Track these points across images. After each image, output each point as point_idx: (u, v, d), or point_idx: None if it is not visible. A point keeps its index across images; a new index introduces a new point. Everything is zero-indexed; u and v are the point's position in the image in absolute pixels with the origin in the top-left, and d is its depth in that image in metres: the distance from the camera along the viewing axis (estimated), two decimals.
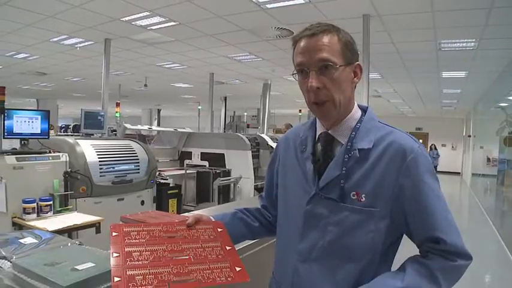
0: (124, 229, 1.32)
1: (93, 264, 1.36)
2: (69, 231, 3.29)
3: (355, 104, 1.36)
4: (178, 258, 1.22)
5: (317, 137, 1.37)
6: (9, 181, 3.52)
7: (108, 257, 1.48)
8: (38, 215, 3.50)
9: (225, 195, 6.74)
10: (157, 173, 5.44)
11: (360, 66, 1.31)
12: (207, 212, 2.98)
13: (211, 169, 6.85)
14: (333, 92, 1.24)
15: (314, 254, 1.29)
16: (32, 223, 3.32)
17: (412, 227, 1.25)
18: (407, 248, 1.37)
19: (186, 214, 2.34)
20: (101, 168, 4.37)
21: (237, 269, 1.23)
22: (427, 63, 8.82)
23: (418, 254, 1.26)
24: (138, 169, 4.89)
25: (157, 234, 1.32)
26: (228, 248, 1.32)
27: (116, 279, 1.11)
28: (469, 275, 1.29)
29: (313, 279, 1.29)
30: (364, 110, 1.37)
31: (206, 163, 7.29)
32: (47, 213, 3.55)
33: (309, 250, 1.30)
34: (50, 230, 3.08)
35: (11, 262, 1.44)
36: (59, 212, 3.72)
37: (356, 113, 1.34)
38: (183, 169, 7.08)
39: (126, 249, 1.22)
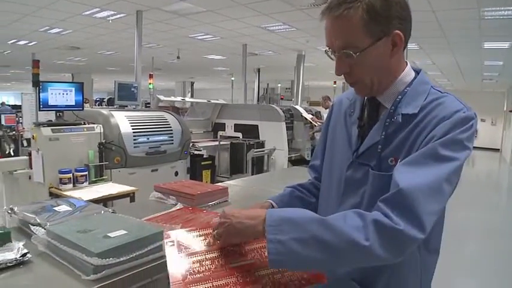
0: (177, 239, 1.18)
1: (125, 232, 1.33)
2: (104, 201, 3.32)
3: (407, 67, 1.24)
4: (243, 265, 1.09)
5: (365, 101, 1.29)
6: (46, 152, 3.57)
7: (140, 225, 1.46)
8: (73, 185, 3.55)
9: (259, 166, 6.71)
10: (190, 144, 5.44)
11: (399, 35, 1.13)
12: (241, 182, 2.96)
13: (245, 140, 6.82)
14: (361, 75, 1.17)
15: None
16: (67, 193, 3.36)
17: None
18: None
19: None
20: (135, 139, 4.38)
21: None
22: (468, 33, 8.39)
23: None
24: (172, 140, 4.89)
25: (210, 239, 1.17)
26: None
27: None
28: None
29: None
30: (417, 72, 1.25)
31: (240, 134, 7.27)
32: (82, 183, 3.59)
33: None
34: (85, 199, 3.10)
35: (45, 229, 1.43)
36: (94, 182, 3.76)
37: (406, 76, 1.22)
38: (216, 140, 7.07)
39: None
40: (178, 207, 1.97)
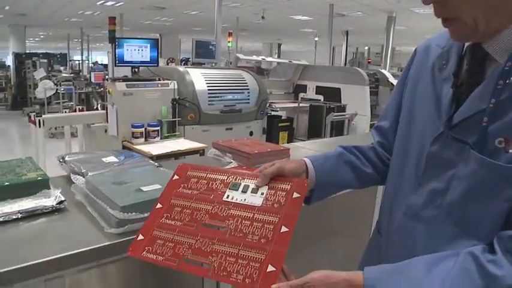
0: (188, 173, 1.14)
1: (159, 186, 1.23)
2: (173, 156, 3.32)
3: None
4: (212, 229, 0.97)
5: (464, 50, 0.93)
6: (120, 107, 3.63)
7: None
8: (145, 140, 3.60)
9: (338, 131, 6.44)
10: (268, 105, 5.32)
11: None
12: (314, 145, 2.77)
13: (325, 103, 6.55)
14: (459, 6, 0.81)
15: (427, 212, 0.94)
16: (139, 147, 3.41)
17: None
18: None
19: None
20: (209, 97, 4.34)
21: (269, 269, 0.86)
22: None
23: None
24: (248, 99, 4.80)
25: (216, 186, 1.08)
26: (283, 229, 0.94)
27: (140, 237, 1.01)
28: None
29: (418, 244, 0.96)
30: None
31: (321, 97, 6.99)
32: (154, 138, 3.63)
33: (422, 206, 0.95)
34: (154, 154, 3.14)
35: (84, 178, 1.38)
36: (166, 137, 3.79)
37: None
38: (296, 102, 6.88)
39: (172, 201, 1.07)
40: (232, 166, 1.86)
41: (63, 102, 8.31)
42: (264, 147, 2.05)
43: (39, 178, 1.33)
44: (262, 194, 1.02)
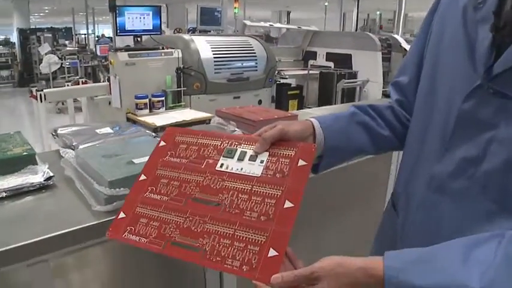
0: (176, 138, 1.00)
1: None
2: (178, 127, 3.20)
3: None
4: (203, 205, 0.84)
5: None
6: (123, 78, 3.51)
7: None
8: (150, 111, 3.49)
9: (349, 98, 6.25)
10: (276, 72, 5.15)
11: None
12: (325, 111, 2.63)
13: (336, 70, 6.35)
14: None
15: (456, 184, 0.79)
16: (143, 118, 3.30)
17: None
18: None
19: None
20: (215, 65, 4.18)
21: (271, 253, 0.72)
22: None
23: None
24: (256, 67, 4.62)
25: (208, 153, 0.94)
26: (287, 205, 0.79)
27: (121, 215, 0.88)
28: None
29: (443, 223, 0.82)
30: None
31: (331, 64, 6.76)
32: (158, 109, 3.51)
33: (450, 176, 0.80)
34: (158, 125, 3.04)
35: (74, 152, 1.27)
36: (171, 108, 3.68)
37: None
38: (306, 69, 6.68)
39: (158, 172, 0.93)
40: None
41: (69, 77, 8.21)
42: (270, 114, 1.92)
43: (24, 153, 1.23)
44: (261, 162, 0.88)
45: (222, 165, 0.89)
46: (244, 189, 0.84)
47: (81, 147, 1.31)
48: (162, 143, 0.99)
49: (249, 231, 0.76)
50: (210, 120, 3.28)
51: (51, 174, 1.17)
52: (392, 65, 7.15)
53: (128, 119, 3.46)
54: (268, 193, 0.81)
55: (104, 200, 0.98)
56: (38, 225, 0.95)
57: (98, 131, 1.50)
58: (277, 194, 0.80)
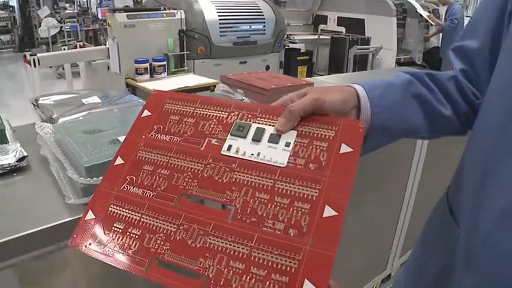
0: (165, 106, 0.71)
1: None
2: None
3: None
4: (204, 207, 0.58)
5: None
6: (121, 41, 3.26)
7: None
8: (151, 76, 3.26)
9: (361, 66, 6.01)
10: (285, 36, 4.88)
11: None
12: (337, 79, 2.40)
13: (348, 36, 6.09)
14: None
15: None
16: (143, 84, 3.09)
17: None
18: None
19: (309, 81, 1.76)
20: (221, 27, 3.93)
21: (306, 285, 0.48)
22: None
23: None
24: (264, 30, 4.36)
25: (210, 129, 0.66)
26: (328, 213, 0.53)
27: (90, 215, 0.61)
28: None
29: None
30: None
31: (343, 29, 6.50)
32: (160, 74, 3.29)
33: None
34: None
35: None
36: (174, 73, 3.46)
37: None
38: (316, 34, 6.39)
39: (139, 154, 0.66)
40: None
41: (69, 41, 7.93)
42: (282, 82, 1.70)
43: None
44: (287, 145, 0.60)
45: (229, 147, 0.62)
46: (264, 185, 0.57)
47: (61, 120, 1.10)
48: (146, 112, 0.71)
49: (272, 252, 0.51)
50: (215, 87, 3.06)
51: (25, 154, 0.96)
52: (406, 32, 6.96)
53: (128, 85, 3.25)
54: (300, 193, 0.55)
55: (81, 191, 0.78)
56: (1, 223, 0.75)
57: (84, 100, 1.28)
58: (313, 196, 0.55)
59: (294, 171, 0.57)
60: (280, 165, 0.58)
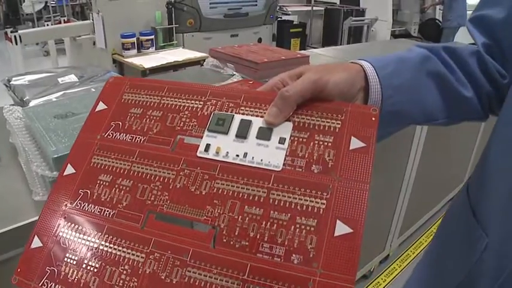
0: (124, 97, 0.57)
1: None
2: (171, 68, 2.88)
3: None
4: (177, 227, 0.46)
5: None
6: (107, 14, 3.09)
7: None
8: (138, 51, 3.11)
9: (356, 38, 5.91)
10: (278, 8, 4.75)
11: None
12: (333, 52, 2.28)
13: (342, 7, 5.98)
14: None
15: None
16: (130, 59, 2.95)
17: None
18: None
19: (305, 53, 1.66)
20: None
21: None
22: None
23: None
24: (256, 1, 4.22)
25: (182, 124, 0.52)
26: (341, 230, 0.41)
27: (36, 243, 0.48)
28: None
29: None
30: None
31: (337, 0, 6.37)
32: (148, 48, 3.14)
33: None
34: (146, 67, 2.72)
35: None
36: (162, 47, 3.31)
37: None
38: (309, 5, 6.26)
39: (94, 161, 0.52)
40: (235, 80, 1.41)
41: (55, 17, 7.69)
42: (276, 55, 1.59)
43: None
44: (282, 141, 0.48)
45: (207, 147, 0.49)
46: (254, 196, 0.45)
47: (33, 103, 1.00)
48: (101, 105, 0.56)
49: (271, 287, 0.40)
50: (203, 61, 2.95)
51: None
52: (402, 3, 6.84)
53: (115, 61, 3.11)
54: (302, 205, 0.43)
55: (51, 185, 0.68)
56: None
57: (60, 79, 1.18)
58: (319, 208, 0.42)
59: (293, 175, 0.45)
60: (274, 169, 0.46)
